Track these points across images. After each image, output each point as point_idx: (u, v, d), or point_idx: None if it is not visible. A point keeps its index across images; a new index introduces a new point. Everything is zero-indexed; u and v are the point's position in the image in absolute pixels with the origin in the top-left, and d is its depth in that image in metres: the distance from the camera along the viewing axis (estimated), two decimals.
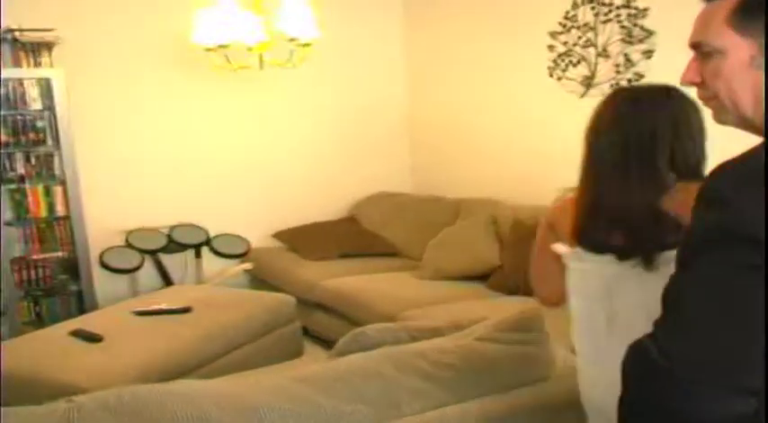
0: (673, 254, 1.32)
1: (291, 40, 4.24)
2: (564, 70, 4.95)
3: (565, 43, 4.92)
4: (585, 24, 4.76)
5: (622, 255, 1.85)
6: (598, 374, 1.93)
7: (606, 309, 1.92)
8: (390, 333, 2.49)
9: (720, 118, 1.40)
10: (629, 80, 4.53)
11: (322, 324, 4.89)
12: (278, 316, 4.27)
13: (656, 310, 1.24)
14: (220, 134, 5.65)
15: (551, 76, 5.04)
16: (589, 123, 1.99)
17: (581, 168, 1.98)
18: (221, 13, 4.20)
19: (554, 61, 5.01)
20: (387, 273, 5.00)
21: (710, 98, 1.39)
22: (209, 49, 4.32)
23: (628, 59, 4.53)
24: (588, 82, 4.80)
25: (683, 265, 1.24)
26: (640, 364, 1.20)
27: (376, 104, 6.29)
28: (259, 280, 5.51)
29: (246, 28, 4.24)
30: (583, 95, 4.85)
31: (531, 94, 5.23)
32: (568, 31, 4.88)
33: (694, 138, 1.88)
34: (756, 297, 1.11)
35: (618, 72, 4.60)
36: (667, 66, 4.38)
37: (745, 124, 1.36)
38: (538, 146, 5.22)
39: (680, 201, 1.74)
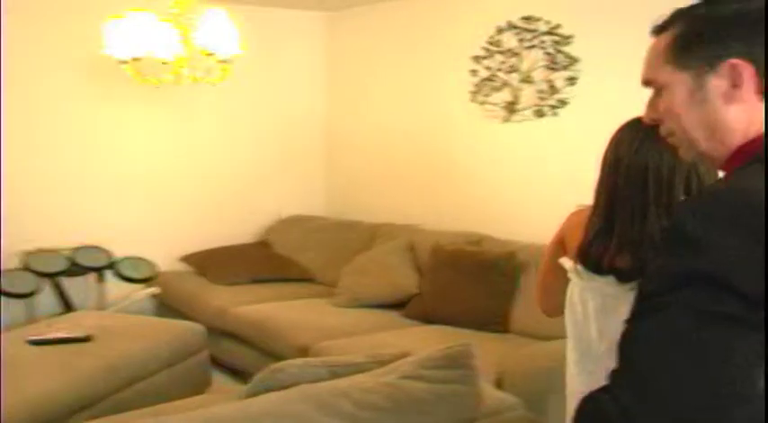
0: None
1: (211, 55, 4.02)
2: (486, 95, 4.87)
3: (488, 68, 4.84)
4: (509, 50, 4.69)
5: (624, 277, 1.90)
6: (587, 382, 1.94)
7: (599, 324, 1.99)
8: (310, 369, 2.31)
9: (682, 153, 1.31)
10: (553, 106, 4.48)
11: (232, 353, 4.64)
12: (186, 345, 4.03)
13: None
14: (128, 151, 5.37)
15: (473, 100, 4.95)
16: (609, 147, 2.03)
17: (597, 190, 2.02)
18: (135, 24, 3.96)
19: (476, 86, 4.92)
20: (301, 299, 4.80)
21: (670, 134, 1.30)
22: (122, 62, 4.06)
23: (551, 86, 4.48)
24: (511, 107, 4.72)
25: (642, 312, 1.09)
26: (594, 419, 1.07)
27: (292, 126, 6.10)
28: (166, 306, 5.24)
29: (163, 41, 4.00)
30: (505, 121, 4.77)
31: (452, 118, 5.14)
32: (492, 55, 4.81)
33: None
34: (733, 353, 0.98)
35: (541, 98, 4.54)
36: (591, 93, 4.37)
37: (702, 158, 1.27)
38: (459, 171, 5.13)
39: None
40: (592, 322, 2.02)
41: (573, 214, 2.14)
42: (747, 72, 1.15)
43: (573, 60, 4.36)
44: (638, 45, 4.20)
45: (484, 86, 4.88)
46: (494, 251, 4.34)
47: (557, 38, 4.42)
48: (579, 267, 2.01)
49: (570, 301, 2.09)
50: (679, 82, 1.22)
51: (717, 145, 1.20)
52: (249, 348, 4.45)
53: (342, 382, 2.19)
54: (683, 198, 1.83)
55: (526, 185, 4.68)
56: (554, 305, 2.20)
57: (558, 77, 4.45)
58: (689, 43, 1.20)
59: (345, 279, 4.82)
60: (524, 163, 4.70)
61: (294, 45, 6.03)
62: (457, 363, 2.28)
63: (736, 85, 1.16)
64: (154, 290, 5.11)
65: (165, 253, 5.43)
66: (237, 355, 4.60)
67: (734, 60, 1.15)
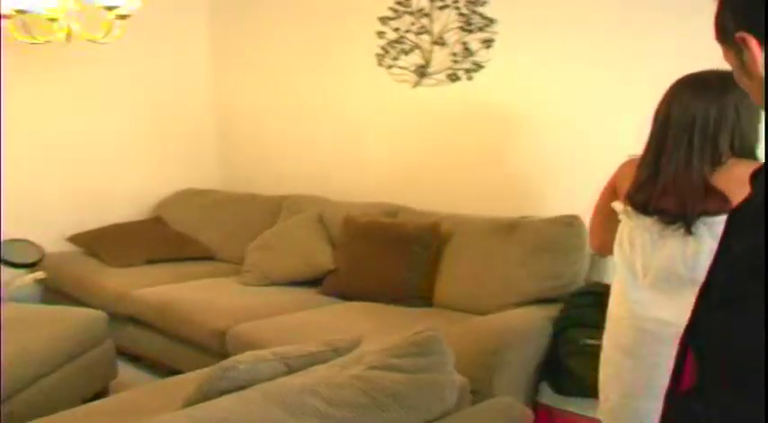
0: (711, 220, 2.12)
1: (109, 8, 3.59)
2: (395, 59, 4.64)
3: (396, 30, 4.61)
4: (420, 10, 4.47)
5: (669, 219, 2.20)
6: (633, 309, 2.32)
7: (645, 259, 2.27)
8: (263, 364, 2.05)
9: None
10: (467, 70, 4.30)
11: (137, 341, 4.27)
12: (88, 335, 3.67)
13: (687, 268, 2.15)
14: (8, 120, 4.84)
15: (381, 64, 4.72)
16: (661, 103, 2.28)
17: (648, 142, 2.30)
18: None
19: (383, 49, 4.68)
20: (205, 279, 4.47)
21: None
22: (4, 16, 3.60)
23: (466, 48, 4.30)
24: (422, 71, 4.52)
25: (734, 299, 0.96)
26: None
27: (180, 95, 5.70)
28: (53, 291, 4.79)
29: None
30: (416, 85, 4.56)
31: (358, 83, 4.89)
32: (401, 16, 4.57)
33: (753, 122, 2.18)
34: None
35: (455, 61, 4.36)
36: (508, 55, 4.21)
37: None
38: (366, 138, 4.90)
39: (730, 176, 2.12)
40: (638, 258, 2.29)
41: (624, 164, 2.39)
42: None
43: (489, 22, 4.19)
44: (556, 6, 4.08)
45: (392, 49, 4.65)
46: (415, 222, 4.15)
47: None
48: (629, 209, 2.30)
49: (620, 239, 2.35)
50: None
51: None
52: (157, 334, 4.11)
53: (304, 378, 1.96)
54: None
55: (441, 153, 4.50)
56: (606, 243, 2.46)
57: (473, 40, 4.26)
58: None
59: (252, 256, 4.52)
60: (438, 129, 4.51)
61: (181, 8, 5.62)
62: (428, 349, 2.09)
63: None
64: (38, 274, 4.66)
65: (50, 233, 4.95)
66: (142, 343, 4.25)
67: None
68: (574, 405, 3.14)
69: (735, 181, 2.10)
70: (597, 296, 3.31)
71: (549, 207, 3.90)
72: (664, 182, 2.21)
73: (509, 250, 3.75)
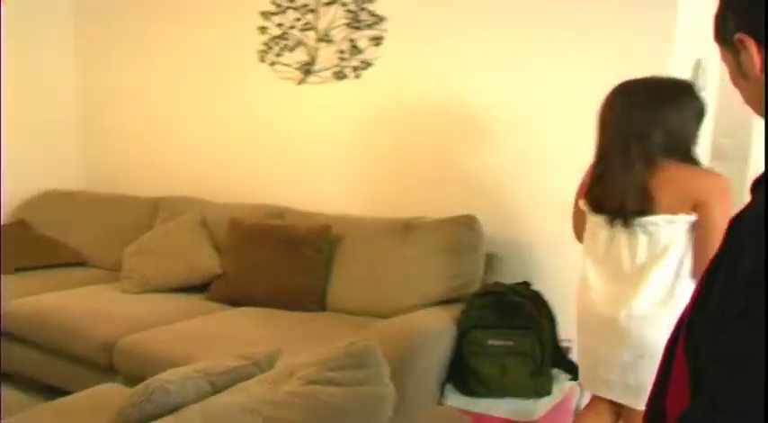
0: (646, 220, 2.42)
1: None
2: (278, 55, 4.51)
3: (280, 25, 4.47)
4: (305, 5, 4.36)
5: (611, 216, 2.50)
6: (596, 290, 2.60)
7: (602, 253, 2.58)
8: (189, 382, 1.90)
9: None
10: (356, 68, 4.23)
11: (16, 360, 3.89)
12: None
13: (629, 264, 2.49)
14: None
15: (263, 60, 4.57)
16: (600, 110, 2.52)
17: (596, 145, 2.55)
18: None
19: (266, 44, 4.54)
20: (81, 287, 4.19)
21: None
22: None
23: (354, 46, 4.22)
24: (307, 68, 4.41)
25: (734, 316, 0.95)
26: None
27: (41, 89, 5.35)
28: None
29: None
30: (301, 82, 4.45)
31: (239, 80, 4.71)
32: (284, 11, 4.44)
33: (686, 124, 2.42)
34: None
35: (342, 59, 4.27)
36: (398, 54, 4.16)
37: None
38: (249, 137, 4.73)
39: (664, 178, 2.39)
40: (598, 251, 2.59)
41: (591, 166, 2.61)
42: None
43: (378, 19, 4.12)
44: (447, 4, 4.06)
45: (275, 45, 4.51)
46: (304, 224, 4.03)
47: None
48: (587, 207, 2.61)
49: (587, 233, 2.67)
50: None
51: None
52: (30, 349, 3.80)
53: (238, 397, 1.85)
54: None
55: (327, 153, 4.40)
56: (579, 236, 2.74)
57: (362, 37, 4.19)
58: None
59: (130, 261, 4.27)
60: (323, 128, 4.41)
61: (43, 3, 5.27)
62: (365, 361, 2.01)
63: None
64: None
65: None
66: (19, 361, 3.89)
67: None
68: (480, 406, 3.12)
69: (667, 182, 2.39)
70: (497, 296, 3.32)
71: (438, 208, 3.87)
72: (608, 183, 2.49)
73: (406, 251, 3.70)
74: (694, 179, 2.40)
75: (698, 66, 3.56)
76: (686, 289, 2.35)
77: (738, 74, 1.11)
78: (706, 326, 1.03)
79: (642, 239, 2.45)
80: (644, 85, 2.46)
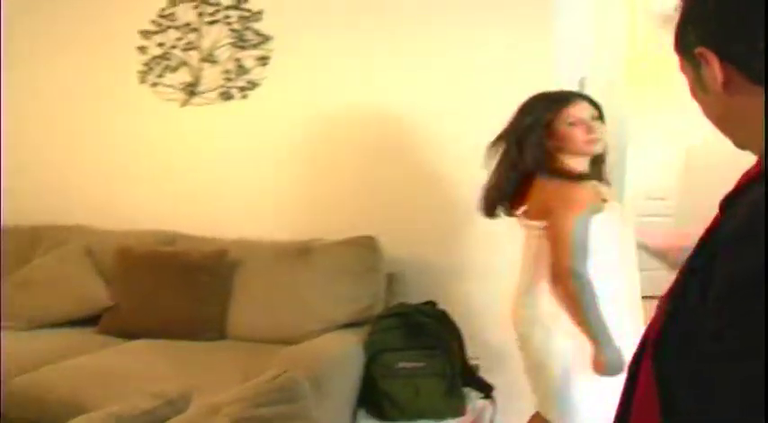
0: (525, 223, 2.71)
1: None
2: (160, 76, 4.37)
3: (161, 45, 4.34)
4: (187, 24, 4.25)
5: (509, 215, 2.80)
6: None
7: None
8: None
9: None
10: (242, 88, 4.15)
11: None
12: None
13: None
14: None
15: (143, 81, 4.42)
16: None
17: None
18: None
19: (146, 65, 4.40)
20: None
21: None
22: None
23: (240, 66, 4.14)
24: (191, 90, 4.29)
25: (710, 337, 0.91)
26: None
27: None
28: None
29: None
30: (185, 104, 4.33)
31: (118, 102, 4.52)
32: (165, 31, 4.32)
33: (532, 138, 2.64)
34: None
35: (228, 79, 4.18)
36: (286, 73, 4.10)
37: None
38: (133, 161, 4.54)
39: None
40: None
41: None
42: None
43: (264, 38, 4.06)
44: (335, 23, 4.04)
45: (156, 66, 4.38)
46: (198, 249, 3.92)
47: (244, 13, 4.09)
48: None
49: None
50: None
51: None
52: None
53: None
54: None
55: (218, 175, 4.29)
56: None
57: (248, 56, 4.12)
58: None
59: (10, 296, 4.04)
60: (212, 151, 4.30)
61: None
62: (292, 395, 1.96)
63: None
64: None
65: None
66: None
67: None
68: None
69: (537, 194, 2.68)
70: (402, 317, 3.32)
71: (339, 228, 3.84)
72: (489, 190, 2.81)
73: (305, 275, 3.65)
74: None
75: (582, 84, 3.68)
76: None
77: (698, 86, 1.10)
78: (675, 347, 1.01)
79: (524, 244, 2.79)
80: (534, 98, 2.77)
